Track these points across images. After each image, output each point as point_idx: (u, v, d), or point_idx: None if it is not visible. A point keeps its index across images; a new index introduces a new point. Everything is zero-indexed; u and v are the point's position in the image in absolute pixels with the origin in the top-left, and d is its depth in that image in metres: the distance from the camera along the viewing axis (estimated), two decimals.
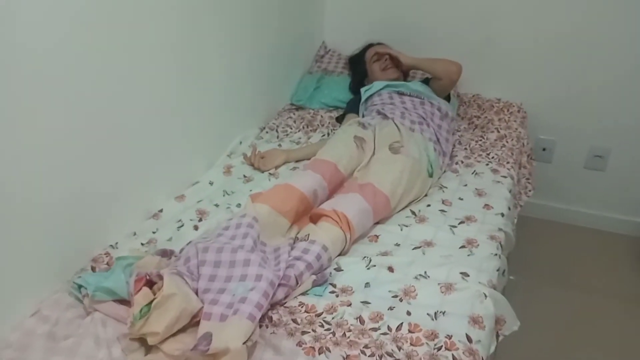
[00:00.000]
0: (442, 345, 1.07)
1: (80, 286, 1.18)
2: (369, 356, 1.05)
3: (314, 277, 1.22)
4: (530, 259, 2.16)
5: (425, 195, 1.62)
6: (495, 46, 2.24)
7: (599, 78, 2.14)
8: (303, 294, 1.20)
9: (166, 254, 1.28)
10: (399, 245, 1.39)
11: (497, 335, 1.23)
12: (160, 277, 1.10)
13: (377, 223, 1.47)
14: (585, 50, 2.12)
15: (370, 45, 2.18)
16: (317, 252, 1.25)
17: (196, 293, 1.14)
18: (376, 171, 1.54)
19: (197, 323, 1.07)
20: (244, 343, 1.00)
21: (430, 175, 1.63)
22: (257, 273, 1.16)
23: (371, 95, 1.96)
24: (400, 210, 1.54)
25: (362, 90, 1.99)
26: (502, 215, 1.52)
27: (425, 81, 2.02)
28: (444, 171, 1.75)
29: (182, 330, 1.07)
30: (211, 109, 1.72)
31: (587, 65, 2.14)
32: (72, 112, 1.17)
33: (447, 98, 2.02)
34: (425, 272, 1.27)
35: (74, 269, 1.25)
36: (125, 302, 1.14)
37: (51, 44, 1.08)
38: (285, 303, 1.18)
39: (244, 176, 1.71)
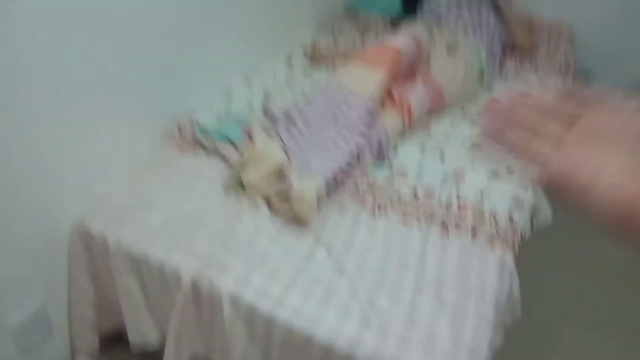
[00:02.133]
0: (487, 216, 1.22)
1: (203, 131, 1.39)
2: (423, 222, 1.21)
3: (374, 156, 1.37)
4: None
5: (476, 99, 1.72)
6: None
7: None
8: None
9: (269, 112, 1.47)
10: (449, 137, 1.52)
11: (532, 225, 1.38)
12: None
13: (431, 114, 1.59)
14: None
15: None
16: (380, 139, 1.39)
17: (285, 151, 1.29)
18: (436, 68, 1.64)
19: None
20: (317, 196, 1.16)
21: (481, 82, 1.73)
22: (336, 153, 1.31)
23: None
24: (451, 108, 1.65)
25: None
26: None
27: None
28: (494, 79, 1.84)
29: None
30: (274, 8, 1.82)
31: None
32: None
33: None
34: (473, 162, 1.41)
35: (165, 128, 1.42)
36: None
37: None
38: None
39: (304, 70, 1.83)
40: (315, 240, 1.13)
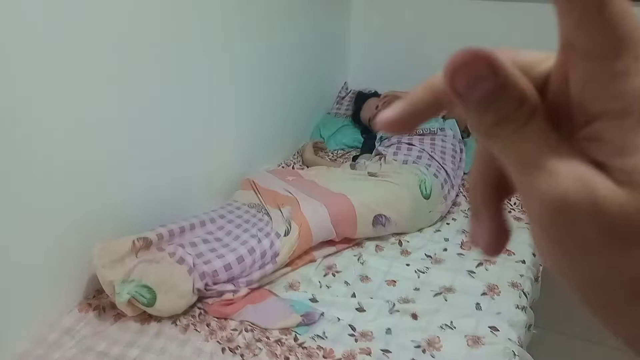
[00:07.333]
0: None
1: None
2: None
3: (300, 317, 1.17)
4: (553, 309, 2.01)
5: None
6: None
7: None
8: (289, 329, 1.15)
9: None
10: (418, 289, 1.32)
11: None
12: None
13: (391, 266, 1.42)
14: None
15: (362, 101, 2.23)
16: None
17: None
18: (351, 186, 1.57)
19: None
20: None
21: (426, 197, 1.59)
22: None
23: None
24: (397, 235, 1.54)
25: (378, 134, 2.00)
26: (524, 262, 1.45)
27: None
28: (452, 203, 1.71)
29: None
30: (243, 140, 1.82)
31: None
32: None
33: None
34: (451, 322, 1.20)
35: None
36: None
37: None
38: (303, 343, 1.10)
39: None
40: None
